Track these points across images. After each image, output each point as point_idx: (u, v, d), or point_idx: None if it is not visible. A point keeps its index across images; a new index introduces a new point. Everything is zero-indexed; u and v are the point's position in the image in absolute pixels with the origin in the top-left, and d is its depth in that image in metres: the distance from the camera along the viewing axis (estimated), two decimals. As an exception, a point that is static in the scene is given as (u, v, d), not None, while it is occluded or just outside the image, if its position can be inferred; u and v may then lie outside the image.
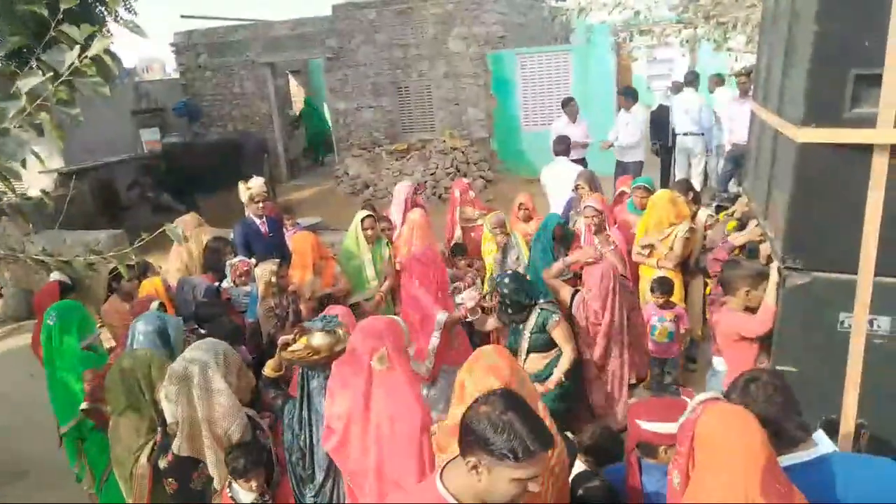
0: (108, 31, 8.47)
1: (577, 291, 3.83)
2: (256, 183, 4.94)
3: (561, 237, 4.47)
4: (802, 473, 1.70)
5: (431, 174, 10.70)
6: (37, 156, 2.20)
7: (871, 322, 2.29)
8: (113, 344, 4.18)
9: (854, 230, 2.23)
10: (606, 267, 3.73)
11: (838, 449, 2.36)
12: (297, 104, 14.91)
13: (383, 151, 11.52)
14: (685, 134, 8.13)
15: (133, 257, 2.37)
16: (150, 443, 2.63)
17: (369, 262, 4.69)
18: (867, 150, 2.15)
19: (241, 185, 4.95)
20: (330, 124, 13.23)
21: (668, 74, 12.87)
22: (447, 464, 1.61)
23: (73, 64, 1.87)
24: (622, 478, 2.10)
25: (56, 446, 3.58)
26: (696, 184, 7.52)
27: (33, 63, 1.95)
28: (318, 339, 2.45)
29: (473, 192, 5.88)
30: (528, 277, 3.82)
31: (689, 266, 4.56)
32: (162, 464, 2.48)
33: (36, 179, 8.62)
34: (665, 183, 8.28)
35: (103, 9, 8.47)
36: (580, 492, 2.06)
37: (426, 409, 2.26)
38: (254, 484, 2.43)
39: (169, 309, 3.75)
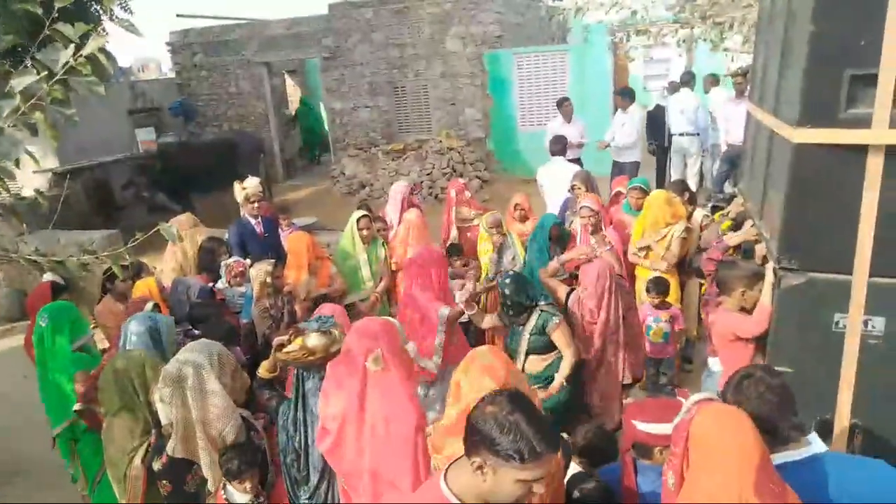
0: (104, 30, 8.42)
1: (572, 290, 3.83)
2: (252, 183, 4.93)
3: (557, 237, 4.47)
4: (794, 472, 1.70)
5: (428, 174, 10.70)
6: (31, 155, 2.19)
7: (865, 322, 2.29)
8: (107, 345, 4.17)
9: (849, 231, 2.23)
10: (603, 266, 3.73)
11: (831, 449, 2.38)
12: (294, 104, 14.89)
13: (380, 151, 11.51)
14: (681, 134, 8.14)
15: (127, 257, 2.35)
16: (145, 444, 2.62)
17: (365, 263, 4.69)
18: (862, 150, 2.15)
19: (237, 185, 4.94)
20: (326, 124, 13.21)
21: (664, 74, 12.87)
22: (451, 464, 1.60)
23: (67, 63, 1.87)
24: (617, 478, 2.10)
25: (50, 446, 3.57)
26: (692, 184, 7.53)
27: (28, 62, 1.94)
28: (314, 340, 2.44)
29: (469, 193, 5.88)
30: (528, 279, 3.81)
31: (684, 266, 4.57)
32: (156, 465, 2.47)
33: (30, 179, 8.59)
34: (661, 183, 8.29)
35: (98, 7, 8.43)
36: (576, 493, 2.06)
37: (421, 411, 2.26)
38: (248, 485, 2.42)
39: (163, 310, 3.73)
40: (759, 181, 2.93)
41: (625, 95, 7.78)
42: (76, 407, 3.08)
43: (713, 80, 8.57)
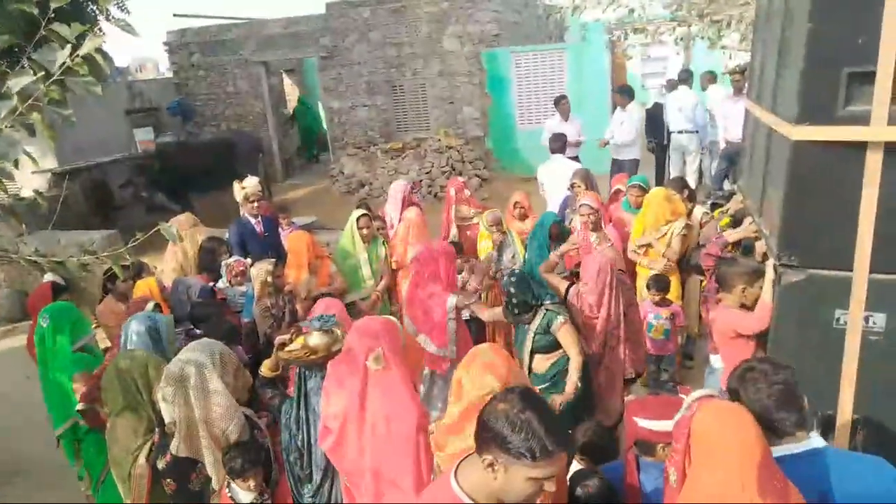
0: (100, 30, 8.42)
1: (571, 285, 3.83)
2: (251, 182, 4.92)
3: (557, 235, 4.47)
4: (791, 465, 1.70)
5: (427, 173, 10.70)
6: (29, 156, 2.19)
7: (866, 319, 2.30)
8: (108, 344, 4.17)
9: (849, 227, 2.23)
10: (604, 261, 3.73)
11: (834, 445, 2.38)
12: (292, 103, 14.87)
13: (378, 150, 11.51)
14: (679, 132, 8.14)
15: (128, 257, 2.35)
16: (148, 443, 2.62)
17: (365, 262, 4.69)
18: (861, 147, 2.16)
19: (236, 185, 4.93)
20: (324, 122, 13.20)
21: (662, 72, 12.88)
22: (461, 461, 1.60)
23: (64, 63, 1.86)
24: (620, 476, 2.10)
25: (54, 446, 3.59)
26: (691, 181, 7.53)
27: (24, 62, 1.93)
28: (316, 339, 2.45)
29: (469, 191, 5.87)
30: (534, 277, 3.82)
31: (684, 263, 4.57)
32: (160, 464, 2.47)
33: (29, 180, 8.58)
34: (660, 181, 8.29)
35: (95, 7, 8.41)
36: (578, 490, 2.06)
37: (422, 409, 2.26)
38: (252, 483, 2.43)
39: (164, 309, 3.73)
40: (759, 178, 2.93)
41: (623, 93, 7.78)
42: (79, 407, 3.08)
43: (710, 77, 8.58)
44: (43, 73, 1.88)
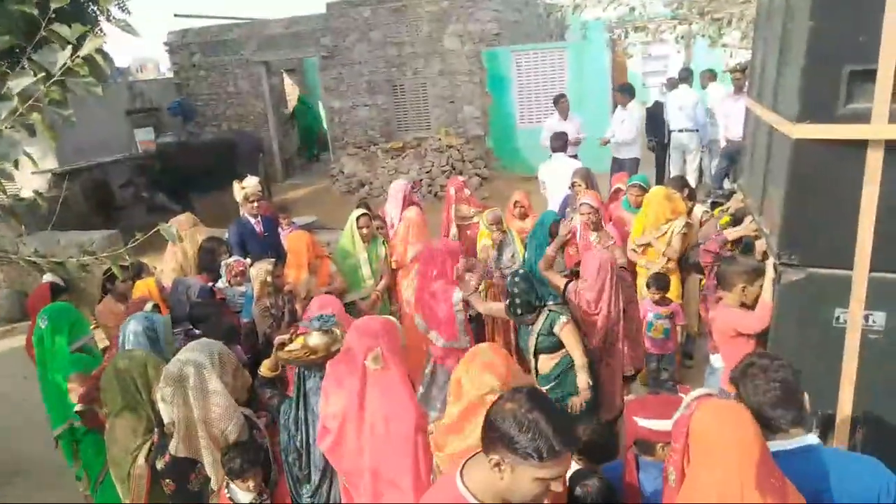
0: (101, 31, 8.42)
1: (569, 281, 3.83)
2: (251, 182, 4.92)
3: (557, 234, 4.47)
4: (784, 461, 1.69)
5: (427, 172, 10.69)
6: (29, 157, 2.19)
7: (866, 317, 2.29)
8: (107, 344, 4.17)
9: (849, 226, 2.23)
10: (604, 259, 3.72)
11: (834, 444, 2.38)
12: (292, 103, 14.88)
13: (379, 150, 11.50)
14: (680, 130, 8.14)
15: (127, 258, 2.35)
16: (148, 443, 2.62)
17: (365, 261, 4.69)
18: (862, 145, 2.15)
19: (236, 185, 4.93)
20: (325, 122, 13.20)
21: (663, 71, 12.87)
22: (467, 461, 1.59)
23: (65, 64, 1.86)
24: (620, 475, 2.10)
25: (54, 447, 3.59)
26: (692, 180, 7.53)
27: (24, 63, 1.93)
28: (315, 339, 2.45)
29: (469, 190, 5.87)
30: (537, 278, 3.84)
31: (684, 262, 4.57)
32: (159, 464, 2.47)
33: (29, 180, 8.59)
34: (660, 179, 8.29)
35: (95, 8, 8.41)
36: (578, 490, 2.06)
37: (421, 409, 2.26)
38: (251, 484, 2.43)
39: (162, 310, 3.73)
40: (759, 177, 2.92)
41: (624, 92, 7.78)
42: (77, 408, 3.08)
43: (711, 75, 8.57)
44: (43, 73, 1.88)
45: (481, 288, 4.39)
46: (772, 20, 2.87)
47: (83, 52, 1.88)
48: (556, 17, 11.38)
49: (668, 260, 4.47)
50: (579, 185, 5.01)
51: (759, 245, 3.09)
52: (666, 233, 4.43)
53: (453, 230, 5.33)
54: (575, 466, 2.39)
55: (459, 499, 1.51)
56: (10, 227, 6.54)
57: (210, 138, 12.13)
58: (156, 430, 2.59)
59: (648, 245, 4.53)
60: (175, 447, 2.38)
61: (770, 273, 2.69)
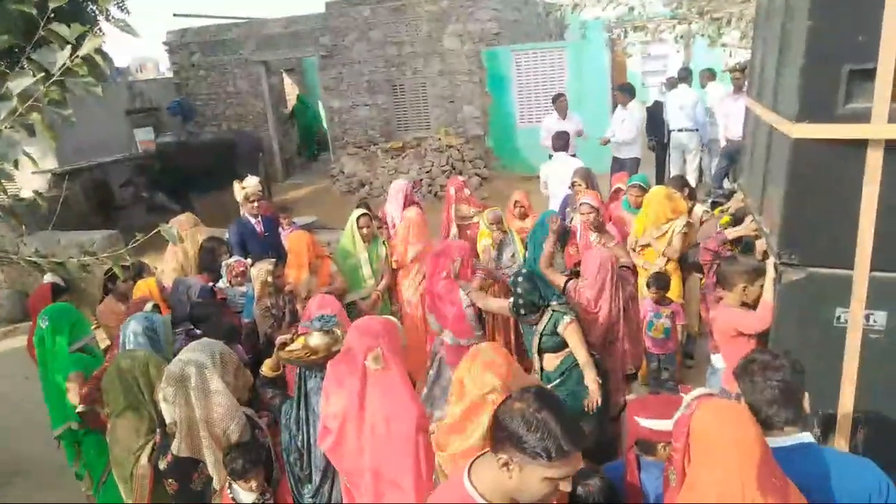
0: (100, 31, 8.42)
1: (569, 280, 3.83)
2: (251, 182, 4.92)
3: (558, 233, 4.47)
4: (778, 458, 1.70)
5: (427, 172, 10.69)
6: (29, 157, 2.19)
7: (867, 317, 2.29)
8: (108, 344, 4.17)
9: (849, 225, 2.23)
10: (605, 258, 3.72)
11: (834, 444, 2.38)
12: (292, 102, 14.88)
13: (379, 149, 11.50)
14: (680, 130, 8.14)
15: (128, 258, 2.35)
16: (150, 443, 2.63)
17: (365, 261, 4.69)
18: (862, 145, 2.15)
19: (236, 185, 4.93)
20: (324, 121, 13.19)
21: (662, 70, 12.87)
22: (475, 461, 1.59)
23: (64, 64, 1.86)
24: (621, 475, 2.10)
25: (55, 446, 3.59)
26: (692, 180, 7.53)
27: (24, 63, 1.93)
28: (316, 340, 2.45)
29: (469, 190, 5.87)
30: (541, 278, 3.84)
31: (684, 262, 4.57)
32: (162, 464, 2.47)
33: (29, 180, 8.59)
34: (660, 179, 8.29)
35: (94, 8, 8.41)
36: (579, 489, 2.06)
37: (421, 409, 2.26)
38: (253, 484, 2.43)
39: (163, 310, 3.73)
40: (759, 177, 2.92)
41: (624, 91, 7.78)
42: (79, 409, 3.08)
43: (710, 74, 8.57)
44: (43, 73, 1.88)
45: (483, 286, 4.40)
46: (771, 20, 2.87)
47: (82, 52, 1.88)
48: (556, 17, 11.37)
49: (668, 260, 4.47)
50: (579, 185, 5.01)
51: (760, 245, 3.09)
52: (666, 232, 4.43)
53: (453, 230, 5.33)
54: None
55: (467, 498, 1.51)
56: (11, 227, 6.54)
57: (210, 138, 12.13)
58: (158, 430, 2.59)
59: (647, 245, 4.53)
60: (177, 447, 2.38)
61: (770, 273, 2.69)
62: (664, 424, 1.93)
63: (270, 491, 2.54)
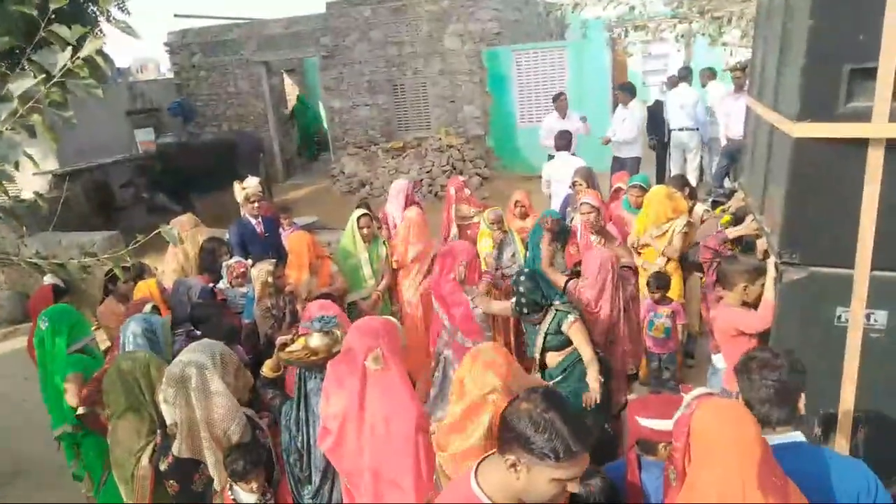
0: (101, 32, 8.43)
1: (569, 280, 3.83)
2: (252, 183, 4.92)
3: (558, 233, 4.47)
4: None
5: (427, 172, 10.69)
6: (30, 158, 2.19)
7: (867, 316, 2.29)
8: (109, 345, 4.18)
9: (850, 224, 2.23)
10: (605, 258, 3.71)
11: (835, 444, 2.38)
12: (292, 103, 14.88)
13: (379, 149, 11.50)
14: (680, 129, 8.13)
15: (128, 259, 2.35)
16: (151, 444, 2.63)
17: (366, 261, 4.69)
18: (863, 144, 2.15)
19: (237, 185, 4.93)
20: (325, 122, 13.19)
21: (663, 70, 12.86)
22: (481, 461, 1.59)
23: (65, 65, 1.86)
24: (622, 475, 2.10)
25: (55, 446, 3.60)
26: (692, 179, 7.53)
27: (24, 64, 1.93)
28: (316, 341, 2.45)
29: (469, 190, 5.87)
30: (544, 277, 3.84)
31: (684, 261, 4.57)
32: (162, 466, 2.47)
33: (30, 182, 8.59)
34: (661, 178, 8.29)
35: (95, 9, 8.41)
36: (581, 489, 2.06)
37: (421, 409, 2.26)
38: (254, 485, 2.43)
39: (162, 311, 3.73)
40: (760, 176, 2.92)
41: (625, 91, 7.77)
42: (79, 411, 3.08)
43: (710, 73, 8.57)
44: (43, 75, 1.88)
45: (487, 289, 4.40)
46: (772, 19, 2.87)
47: (83, 53, 1.87)
48: (556, 16, 11.37)
49: (668, 260, 4.47)
50: (580, 185, 5.00)
51: (760, 244, 3.09)
52: (666, 232, 4.42)
53: (454, 230, 5.33)
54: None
55: (473, 499, 1.50)
56: (12, 228, 6.55)
57: (210, 139, 12.14)
58: (159, 431, 2.59)
59: (647, 244, 4.52)
60: (178, 448, 2.38)
61: (771, 272, 2.69)
62: (665, 424, 1.93)
63: (271, 491, 2.54)
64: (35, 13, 1.86)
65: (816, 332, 2.38)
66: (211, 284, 4.24)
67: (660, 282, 4.28)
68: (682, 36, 8.17)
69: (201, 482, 2.47)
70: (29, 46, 1.89)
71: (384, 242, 4.86)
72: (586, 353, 3.31)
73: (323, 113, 13.40)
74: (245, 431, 2.45)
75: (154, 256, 5.99)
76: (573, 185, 5.14)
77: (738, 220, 3.72)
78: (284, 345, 2.58)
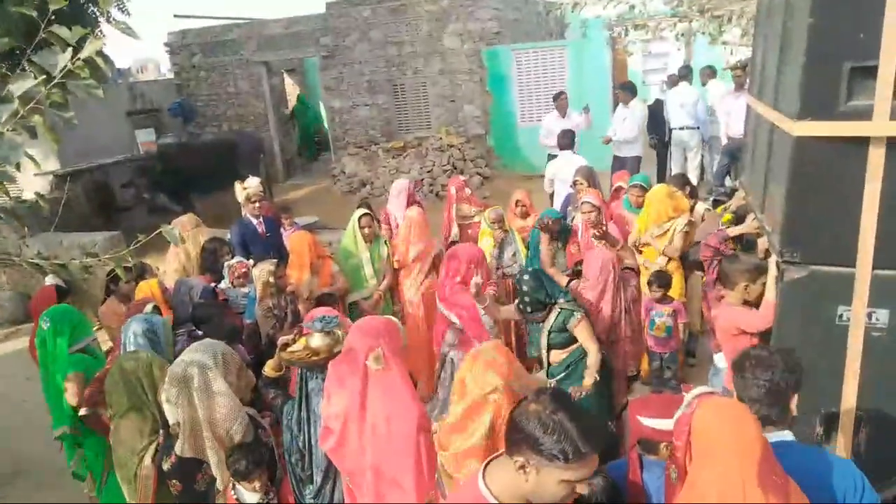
0: (101, 33, 8.43)
1: (570, 280, 3.82)
2: (253, 183, 4.93)
3: (558, 232, 4.47)
4: None
5: (428, 172, 10.69)
6: (31, 158, 2.19)
7: (869, 315, 2.29)
8: (111, 346, 4.18)
9: (851, 223, 2.23)
10: (607, 259, 3.71)
11: (837, 442, 2.38)
12: (292, 103, 14.89)
13: (380, 149, 11.50)
14: (681, 128, 8.12)
15: (130, 259, 2.35)
16: (154, 444, 2.63)
17: (367, 261, 4.69)
18: (863, 142, 2.15)
19: (238, 185, 4.94)
20: (325, 121, 13.19)
21: (663, 69, 12.85)
22: (489, 462, 1.58)
23: (65, 66, 1.86)
24: (624, 474, 2.10)
25: (55, 447, 3.60)
26: (693, 178, 7.52)
27: (25, 65, 1.93)
28: (318, 341, 2.45)
29: (469, 189, 5.87)
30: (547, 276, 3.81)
31: (686, 260, 4.56)
32: (165, 465, 2.48)
33: (31, 182, 8.60)
34: (661, 177, 8.28)
35: (95, 9, 8.41)
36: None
37: (422, 409, 2.26)
38: (257, 484, 2.43)
39: (164, 311, 3.74)
40: (760, 175, 2.92)
41: (626, 90, 7.77)
42: (82, 412, 3.08)
43: (710, 72, 8.56)
44: (44, 76, 1.88)
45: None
46: (772, 17, 2.87)
47: (83, 54, 1.88)
48: (556, 16, 11.38)
49: (669, 260, 4.47)
50: (581, 184, 5.01)
51: (762, 243, 3.09)
52: (667, 231, 4.42)
53: (455, 229, 5.33)
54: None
55: (481, 500, 1.50)
56: (13, 229, 6.55)
57: (211, 139, 12.14)
58: (161, 431, 2.59)
59: (648, 244, 4.52)
60: (181, 448, 2.39)
61: (772, 271, 2.68)
62: (666, 424, 1.93)
63: (274, 491, 2.54)
64: (35, 14, 1.86)
65: (818, 330, 2.38)
66: (212, 284, 4.25)
67: (661, 281, 4.28)
68: (683, 35, 8.18)
69: (204, 482, 2.48)
70: (29, 47, 1.89)
71: (385, 242, 4.86)
72: (592, 350, 3.31)
73: (323, 113, 13.39)
74: (247, 431, 2.45)
75: (155, 257, 5.99)
76: (574, 184, 5.14)
77: (739, 218, 3.72)
78: (286, 345, 2.58)
